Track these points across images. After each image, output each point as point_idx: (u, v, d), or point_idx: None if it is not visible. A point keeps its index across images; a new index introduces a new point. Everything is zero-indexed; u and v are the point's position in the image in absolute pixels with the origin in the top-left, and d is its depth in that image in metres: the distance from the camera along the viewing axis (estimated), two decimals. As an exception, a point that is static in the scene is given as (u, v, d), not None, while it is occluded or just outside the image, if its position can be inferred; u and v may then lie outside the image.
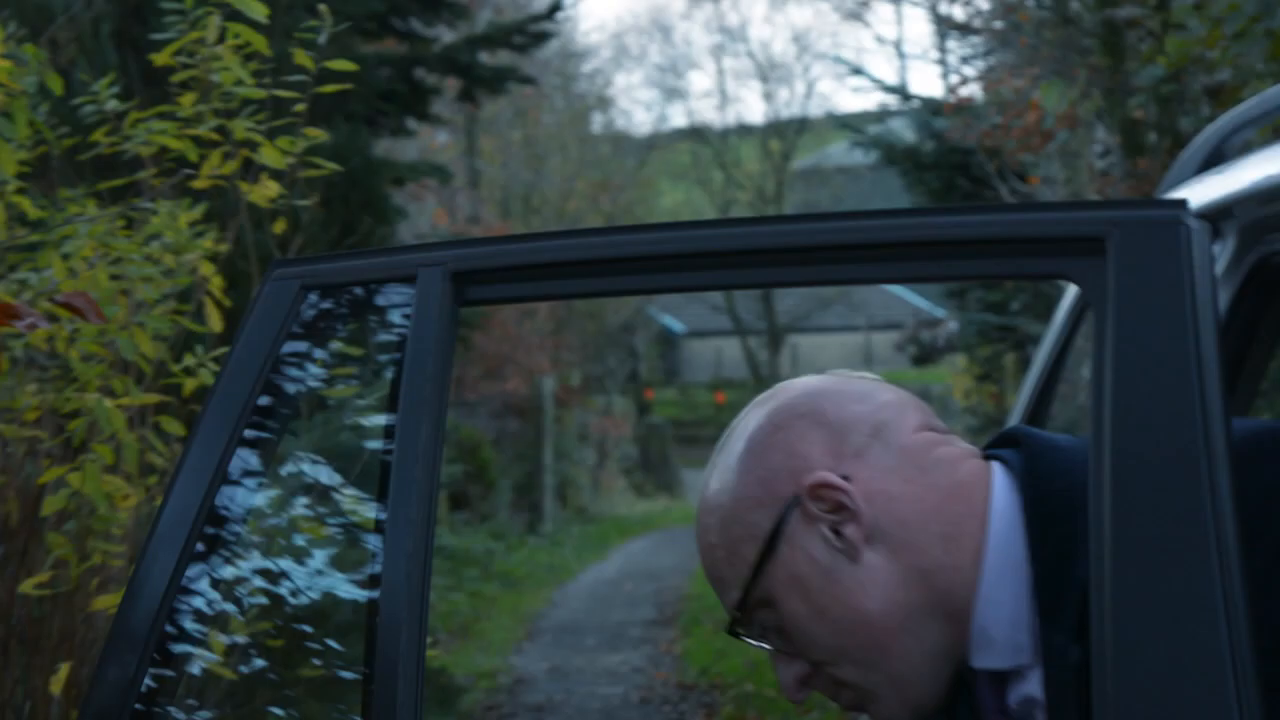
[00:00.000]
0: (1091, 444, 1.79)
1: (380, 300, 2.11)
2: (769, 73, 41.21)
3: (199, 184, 4.30)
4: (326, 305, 2.13)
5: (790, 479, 2.04)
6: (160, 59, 4.24)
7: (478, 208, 28.87)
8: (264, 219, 4.42)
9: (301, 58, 4.20)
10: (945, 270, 1.94)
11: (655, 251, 2.00)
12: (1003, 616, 1.99)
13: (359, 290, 2.11)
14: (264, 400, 2.09)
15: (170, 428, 4.20)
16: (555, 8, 15.89)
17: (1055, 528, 1.97)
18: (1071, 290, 3.59)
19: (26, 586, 4.07)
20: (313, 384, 2.20)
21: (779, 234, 1.99)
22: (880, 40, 42.95)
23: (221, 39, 4.23)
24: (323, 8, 4.34)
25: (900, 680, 2.04)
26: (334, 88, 4.30)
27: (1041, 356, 3.99)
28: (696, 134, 41.29)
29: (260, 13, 4.13)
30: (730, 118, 41.85)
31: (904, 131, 27.16)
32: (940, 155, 24.41)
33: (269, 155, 4.22)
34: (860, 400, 2.09)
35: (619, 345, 35.31)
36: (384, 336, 2.09)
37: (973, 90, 18.08)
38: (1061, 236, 1.87)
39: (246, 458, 2.10)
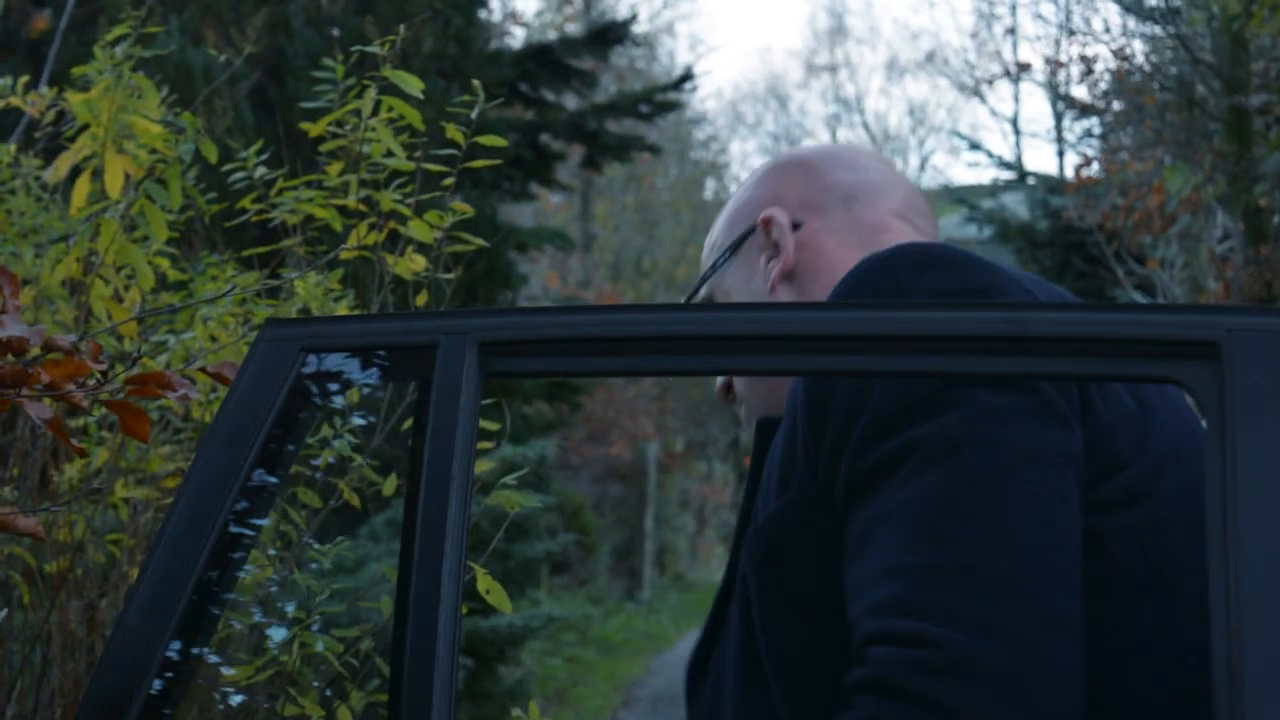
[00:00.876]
0: (1211, 553, 1.72)
1: (391, 367, 2.01)
2: (883, 144, 41.14)
3: (345, 254, 4.29)
4: (329, 370, 2.00)
5: (760, 210, 2.42)
6: (315, 130, 4.23)
7: (590, 271, 28.90)
8: (407, 291, 4.40)
9: (454, 132, 4.18)
10: (1049, 368, 1.85)
11: (693, 332, 1.92)
12: None
13: (366, 356, 2.00)
14: (256, 474, 1.94)
15: (306, 498, 4.18)
16: (685, 77, 15.89)
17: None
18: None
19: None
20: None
21: (822, 320, 1.91)
22: (996, 115, 42.81)
23: (374, 112, 4.22)
24: (475, 83, 4.33)
25: (763, 402, 2.37)
26: (483, 163, 4.28)
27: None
28: (808, 203, 41.21)
29: (416, 88, 4.11)
30: (842, 188, 41.70)
31: (1017, 207, 27.01)
32: (1055, 234, 24.27)
33: (418, 229, 4.20)
34: (849, 169, 2.43)
35: (721, 412, 35.23)
36: (397, 405, 1.95)
37: (1095, 170, 17.96)
38: (1174, 339, 1.79)
39: (234, 537, 1.95)
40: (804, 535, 2.07)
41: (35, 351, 3.07)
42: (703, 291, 2.49)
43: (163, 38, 9.68)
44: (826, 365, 1.95)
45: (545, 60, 14.24)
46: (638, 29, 15.38)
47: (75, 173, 4.24)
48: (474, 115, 4.22)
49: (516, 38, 20.59)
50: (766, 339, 1.90)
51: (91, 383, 3.16)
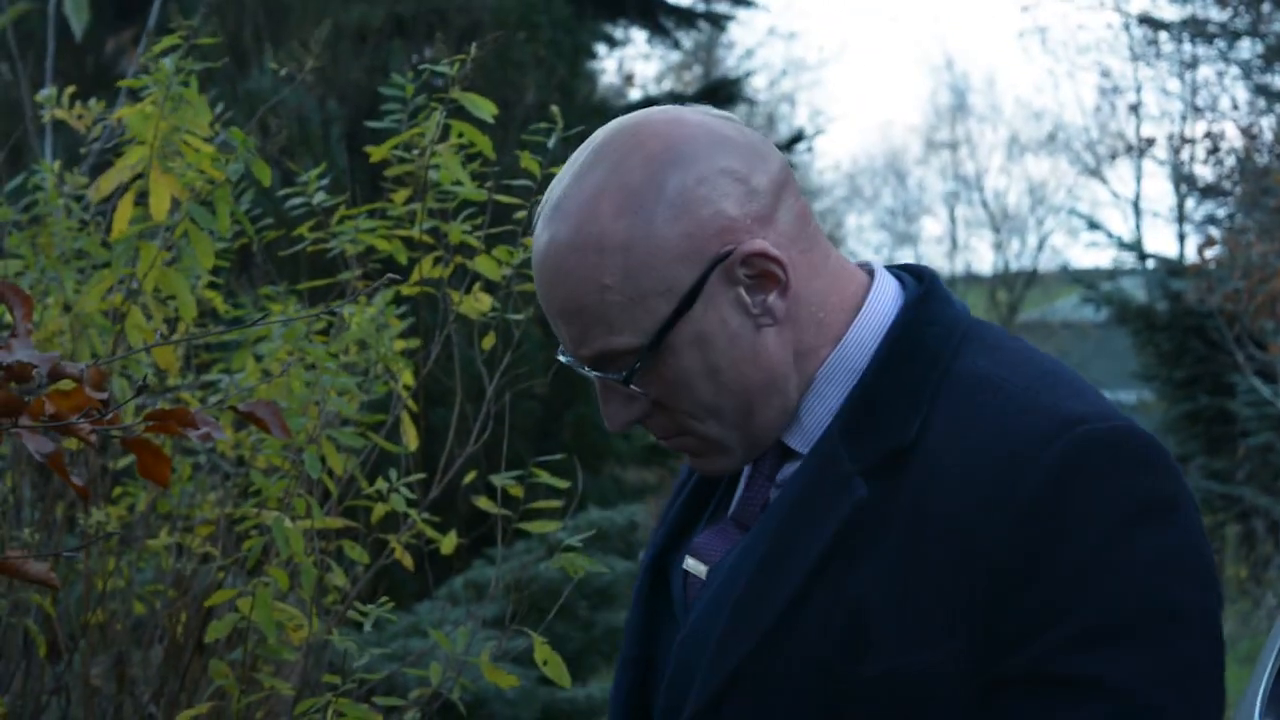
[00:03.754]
0: None
1: None
2: (1001, 223, 40.66)
3: (408, 290, 3.96)
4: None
5: (717, 238, 2.01)
6: (377, 154, 3.91)
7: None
8: (473, 332, 4.06)
9: (528, 161, 3.85)
10: None
11: None
12: (820, 408, 2.06)
13: None
14: None
15: (354, 554, 3.84)
16: (797, 139, 15.57)
17: (904, 365, 2.03)
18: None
19: (184, 718, 3.71)
20: None
21: None
22: (1116, 196, 42.08)
23: (444, 137, 3.90)
24: (554, 109, 4.00)
25: (751, 441, 2.07)
26: (559, 196, 3.95)
27: None
28: (923, 279, 40.73)
29: (489, 111, 3.79)
30: (959, 265, 41.22)
31: (1135, 290, 26.52)
32: (1174, 317, 23.76)
33: (485, 265, 3.87)
34: (762, 157, 2.06)
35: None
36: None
37: (1218, 252, 17.48)
38: None
39: None
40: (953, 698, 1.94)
41: (43, 380, 2.78)
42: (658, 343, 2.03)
43: (256, 77, 9.46)
44: None
45: (654, 116, 13.89)
46: (754, 92, 14.98)
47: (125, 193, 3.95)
48: (551, 144, 3.89)
49: (631, 100, 20.38)
50: None
51: (97, 415, 2.84)
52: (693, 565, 2.13)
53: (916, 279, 2.12)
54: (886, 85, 78.15)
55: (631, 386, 2.04)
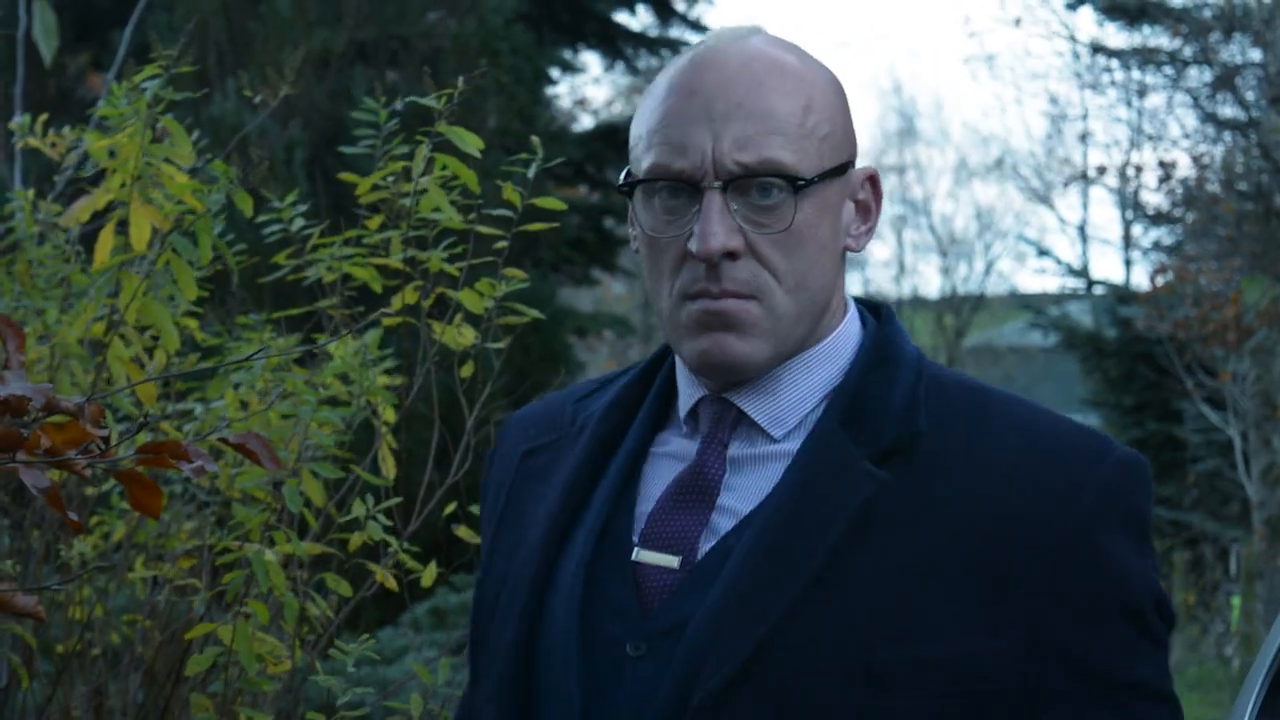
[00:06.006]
0: None
1: None
2: (949, 247, 40.79)
3: (389, 321, 3.96)
4: None
5: (853, 150, 2.13)
6: (363, 189, 3.90)
7: (649, 362, 28.56)
8: (452, 362, 4.07)
9: (510, 192, 3.86)
10: None
11: None
12: (803, 386, 2.10)
13: None
14: None
15: (334, 585, 3.83)
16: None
17: (885, 368, 2.09)
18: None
19: (163, 750, 3.70)
20: None
21: None
22: (1063, 222, 42.14)
23: (426, 170, 3.90)
24: (534, 139, 4.01)
25: (783, 340, 2.07)
26: (540, 226, 3.95)
27: (1274, 645, 3.53)
28: (871, 304, 40.80)
29: (475, 146, 3.79)
30: (906, 289, 41.30)
31: (1082, 315, 26.63)
32: (1123, 343, 23.87)
33: (468, 300, 3.87)
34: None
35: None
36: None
37: (1168, 278, 17.57)
38: None
39: None
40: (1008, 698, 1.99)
41: (37, 413, 2.77)
42: (810, 184, 2.07)
43: (219, 100, 9.46)
44: None
45: (612, 140, 13.94)
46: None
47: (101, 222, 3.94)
48: (531, 174, 3.90)
49: (585, 125, 20.39)
50: None
51: (95, 450, 2.83)
52: (653, 557, 2.08)
53: (874, 311, 2.22)
54: (834, 110, 78.26)
55: (774, 204, 2.06)
